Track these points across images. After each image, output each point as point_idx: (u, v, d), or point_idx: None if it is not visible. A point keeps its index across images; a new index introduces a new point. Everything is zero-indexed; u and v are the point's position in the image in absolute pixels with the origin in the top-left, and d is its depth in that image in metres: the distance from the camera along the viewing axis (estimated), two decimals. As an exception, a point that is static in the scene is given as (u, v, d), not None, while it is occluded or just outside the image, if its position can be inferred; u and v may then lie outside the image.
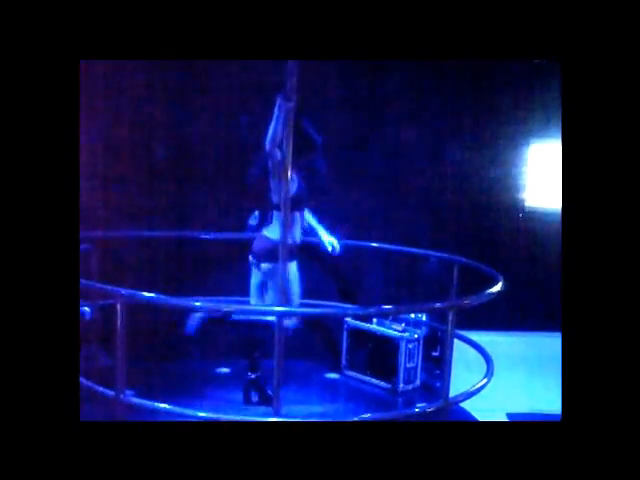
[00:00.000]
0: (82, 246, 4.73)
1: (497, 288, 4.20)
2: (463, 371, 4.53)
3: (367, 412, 4.26)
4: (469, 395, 4.11)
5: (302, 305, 4.58)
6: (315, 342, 5.82)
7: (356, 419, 3.92)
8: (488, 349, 4.75)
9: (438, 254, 5.35)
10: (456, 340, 4.75)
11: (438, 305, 4.19)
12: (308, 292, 5.23)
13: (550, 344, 5.12)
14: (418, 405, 4.62)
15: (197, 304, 3.80)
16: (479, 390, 4.15)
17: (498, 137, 5.97)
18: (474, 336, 4.99)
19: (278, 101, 4.02)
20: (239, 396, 4.61)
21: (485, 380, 4.24)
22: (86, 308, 4.90)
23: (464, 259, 4.94)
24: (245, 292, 4.60)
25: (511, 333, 5.98)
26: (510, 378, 5.55)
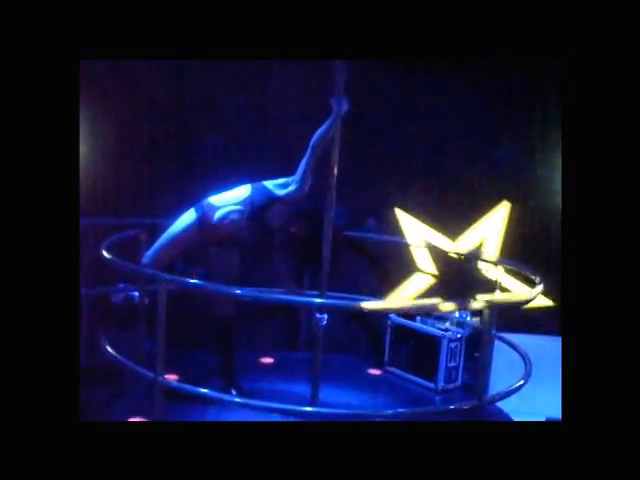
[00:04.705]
0: (132, 231, 4.92)
1: (535, 290, 4.17)
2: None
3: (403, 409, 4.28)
4: (504, 395, 4.09)
5: (341, 299, 4.62)
6: (359, 337, 5.87)
7: (389, 412, 3.98)
8: (533, 352, 4.69)
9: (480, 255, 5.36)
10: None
11: (474, 303, 4.18)
12: (351, 285, 5.31)
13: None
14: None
15: (237, 291, 3.86)
16: (515, 391, 4.12)
17: (546, 139, 5.87)
18: (523, 339, 4.96)
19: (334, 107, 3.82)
20: (280, 387, 4.72)
21: (522, 381, 4.20)
22: (135, 292, 5.06)
23: (507, 261, 4.91)
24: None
25: (557, 338, 5.88)
26: (555, 382, 5.48)
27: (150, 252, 4.42)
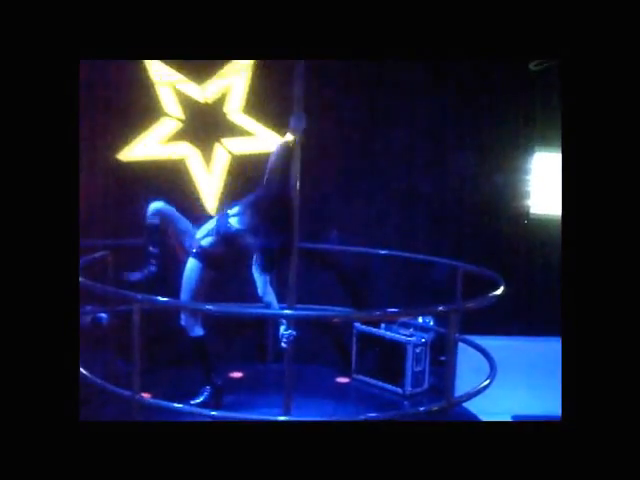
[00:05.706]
0: (99, 253, 4.94)
1: (497, 293, 4.30)
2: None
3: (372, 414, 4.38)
4: (472, 396, 4.22)
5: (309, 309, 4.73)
6: (326, 347, 5.95)
7: (361, 418, 4.07)
8: (498, 354, 4.81)
9: (442, 260, 5.49)
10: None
11: (440, 308, 4.31)
12: (317, 296, 5.39)
13: (555, 348, 5.18)
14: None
15: (208, 307, 3.94)
16: (482, 391, 4.25)
17: (502, 144, 6.03)
18: (485, 341, 5.09)
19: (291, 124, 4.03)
20: (250, 400, 4.78)
21: (488, 381, 4.34)
22: (103, 314, 5.07)
23: (467, 265, 5.04)
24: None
25: (518, 338, 6.04)
26: (519, 382, 5.65)
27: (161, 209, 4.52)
